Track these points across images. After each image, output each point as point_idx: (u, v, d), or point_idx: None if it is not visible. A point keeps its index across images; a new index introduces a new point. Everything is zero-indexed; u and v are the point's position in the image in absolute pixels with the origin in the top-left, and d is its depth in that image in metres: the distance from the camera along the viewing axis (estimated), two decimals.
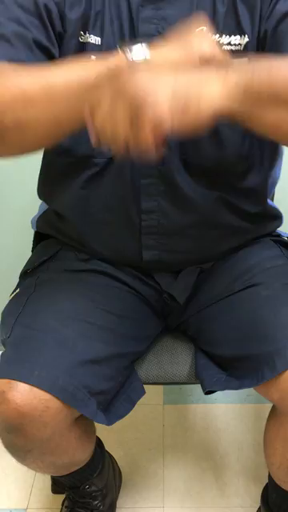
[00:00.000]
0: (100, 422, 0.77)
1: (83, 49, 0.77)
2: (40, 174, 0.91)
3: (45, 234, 0.96)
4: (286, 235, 0.95)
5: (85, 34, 0.77)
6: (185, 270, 0.87)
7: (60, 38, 0.77)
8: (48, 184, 0.89)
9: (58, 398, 0.70)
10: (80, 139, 0.79)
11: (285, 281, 0.83)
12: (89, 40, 0.77)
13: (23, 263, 0.96)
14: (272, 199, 1.04)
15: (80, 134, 0.78)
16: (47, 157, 0.87)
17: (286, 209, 1.00)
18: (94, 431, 0.91)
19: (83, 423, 0.82)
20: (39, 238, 0.98)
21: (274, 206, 0.93)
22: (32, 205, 1.01)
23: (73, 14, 0.76)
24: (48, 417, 0.70)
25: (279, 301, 0.80)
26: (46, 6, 0.75)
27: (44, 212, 0.95)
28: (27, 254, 0.99)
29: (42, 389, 0.69)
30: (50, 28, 0.75)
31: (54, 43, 0.76)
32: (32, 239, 1.00)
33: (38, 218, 0.96)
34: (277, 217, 0.93)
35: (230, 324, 0.83)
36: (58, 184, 0.86)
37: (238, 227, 0.86)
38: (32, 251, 0.99)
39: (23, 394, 0.69)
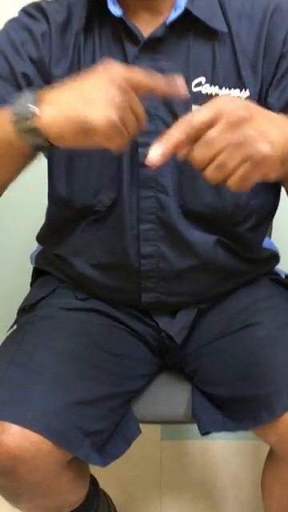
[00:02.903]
0: (94, 464, 0.76)
1: None
2: (44, 223, 0.92)
3: (44, 270, 0.96)
4: (283, 273, 0.95)
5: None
6: (183, 310, 0.87)
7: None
8: (50, 232, 0.90)
9: (50, 439, 0.69)
10: (79, 190, 0.81)
11: (282, 321, 0.83)
12: None
13: (22, 297, 0.95)
14: (270, 235, 1.05)
15: (78, 186, 0.80)
16: (50, 208, 0.89)
17: (284, 246, 1.00)
18: (88, 472, 0.90)
19: (76, 465, 0.80)
20: (38, 273, 0.98)
21: (270, 247, 0.93)
22: (31, 240, 1.01)
23: (58, 71, 0.78)
24: (39, 459, 0.69)
25: (276, 342, 0.79)
26: (23, 73, 0.76)
27: (43, 249, 0.95)
28: (26, 288, 0.99)
29: (34, 431, 0.69)
30: None
31: None
32: (31, 274, 1.01)
33: (37, 255, 0.97)
34: (274, 256, 0.93)
35: (227, 364, 0.82)
36: (59, 231, 0.87)
37: (236, 270, 0.87)
38: (31, 286, 0.99)
39: (15, 436, 0.68)
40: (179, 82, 0.61)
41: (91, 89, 0.59)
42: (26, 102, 0.61)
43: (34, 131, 0.60)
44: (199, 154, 0.57)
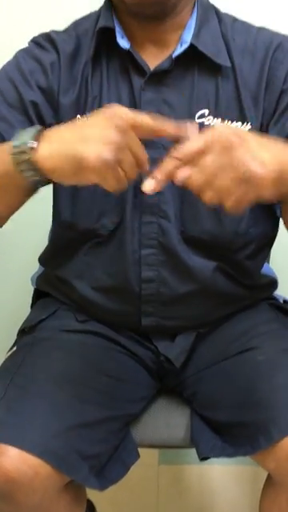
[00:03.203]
0: (92, 487, 0.76)
1: None
2: (48, 244, 0.94)
3: (44, 291, 0.96)
4: (281, 298, 0.96)
5: (82, 117, 0.80)
6: (182, 334, 0.88)
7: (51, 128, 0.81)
8: (53, 254, 0.92)
9: (48, 462, 0.69)
10: (83, 214, 0.83)
11: (280, 346, 0.83)
12: None
13: (22, 319, 0.96)
14: (268, 261, 1.06)
15: (82, 210, 0.82)
16: (54, 229, 0.90)
17: (283, 272, 1.01)
18: (85, 497, 0.89)
19: (73, 489, 0.80)
20: (39, 294, 0.99)
21: (269, 273, 0.94)
22: (32, 261, 1.02)
23: (66, 100, 0.80)
24: (37, 482, 0.69)
25: (275, 367, 0.80)
26: (32, 101, 0.79)
27: (44, 271, 0.96)
28: (26, 309, 1.00)
29: (32, 454, 0.68)
30: (36, 123, 0.78)
31: None
32: (31, 295, 1.01)
33: (38, 276, 0.98)
34: (272, 282, 0.95)
35: (226, 389, 0.83)
36: (62, 253, 0.88)
37: (235, 295, 0.88)
38: (31, 307, 1.00)
39: (13, 459, 0.68)
40: (190, 128, 0.62)
41: (89, 127, 0.61)
42: (26, 136, 0.63)
43: (31, 164, 0.63)
44: (195, 179, 0.60)
